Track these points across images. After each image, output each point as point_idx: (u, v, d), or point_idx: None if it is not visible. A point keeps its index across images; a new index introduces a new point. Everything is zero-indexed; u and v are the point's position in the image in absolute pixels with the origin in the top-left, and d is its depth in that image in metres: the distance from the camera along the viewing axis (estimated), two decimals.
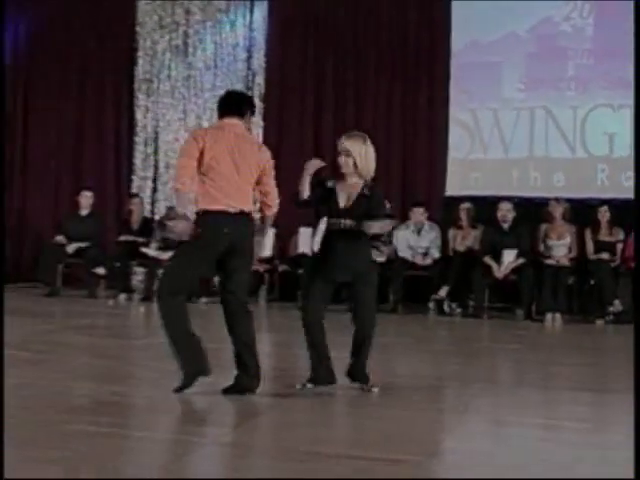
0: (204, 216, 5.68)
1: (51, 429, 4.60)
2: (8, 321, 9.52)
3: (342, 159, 5.95)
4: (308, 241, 12.00)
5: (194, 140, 5.72)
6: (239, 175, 5.67)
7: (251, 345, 5.73)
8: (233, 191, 5.64)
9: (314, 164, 5.96)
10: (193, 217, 5.72)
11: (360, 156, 5.93)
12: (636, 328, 8.94)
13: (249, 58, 13.33)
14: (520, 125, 12.23)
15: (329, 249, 5.95)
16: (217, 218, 5.61)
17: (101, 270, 12.56)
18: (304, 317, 5.90)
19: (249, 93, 12.99)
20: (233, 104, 5.91)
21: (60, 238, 12.77)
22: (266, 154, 5.93)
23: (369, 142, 5.96)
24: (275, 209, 5.99)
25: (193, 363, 5.56)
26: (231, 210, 5.62)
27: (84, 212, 12.96)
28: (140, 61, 13.64)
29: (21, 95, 14.47)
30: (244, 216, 5.70)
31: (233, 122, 5.80)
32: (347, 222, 5.92)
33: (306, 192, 5.88)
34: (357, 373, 5.96)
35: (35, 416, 4.89)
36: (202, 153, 5.62)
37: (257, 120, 13.05)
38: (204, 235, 5.68)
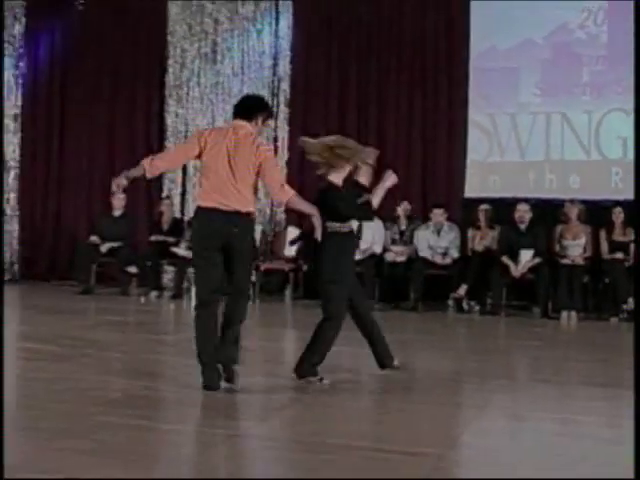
0: (197, 211, 5.78)
1: (84, 421, 4.63)
2: (44, 318, 9.63)
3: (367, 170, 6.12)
4: None
5: (196, 138, 5.82)
6: (235, 175, 5.62)
7: (236, 335, 5.73)
8: (228, 191, 5.60)
9: (393, 180, 6.08)
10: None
11: None
12: (636, 326, 8.89)
13: (275, 65, 13.32)
14: (536, 129, 12.16)
15: (349, 253, 6.02)
16: (207, 214, 5.63)
17: (133, 269, 12.63)
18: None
19: (275, 99, 13.05)
20: (243, 107, 5.92)
21: (94, 238, 12.84)
22: (263, 150, 5.75)
23: None
24: (284, 197, 5.77)
25: (207, 378, 5.59)
26: (223, 208, 5.58)
27: (117, 213, 13.01)
28: (170, 69, 13.66)
29: (57, 101, 14.54)
30: (240, 216, 5.62)
31: (240, 124, 5.79)
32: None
33: (377, 201, 6.00)
34: (386, 358, 6.20)
35: (69, 409, 4.92)
36: (203, 151, 5.69)
37: (282, 125, 13.07)
38: (195, 230, 5.85)
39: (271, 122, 6.19)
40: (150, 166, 5.83)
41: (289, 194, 5.73)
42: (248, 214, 5.69)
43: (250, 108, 5.90)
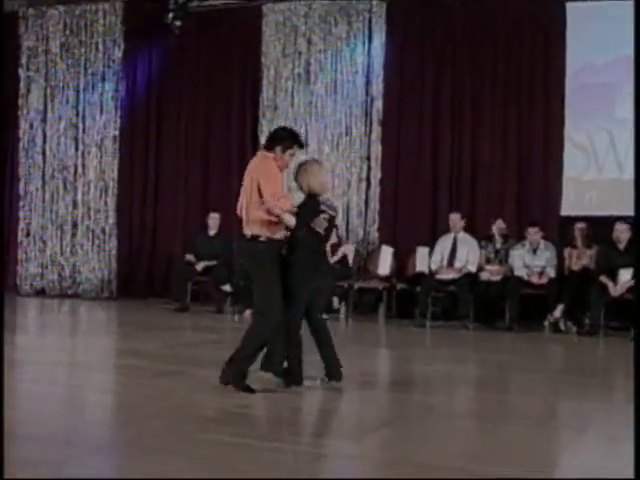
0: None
1: (182, 438, 4.71)
2: (142, 335, 9.82)
3: None
4: (426, 260, 11.97)
5: None
6: (245, 201, 6.34)
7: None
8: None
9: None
10: None
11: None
12: (636, 333, 8.65)
13: (367, 84, 13.33)
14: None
15: None
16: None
17: (228, 287, 12.77)
18: None
19: (367, 117, 13.10)
20: (266, 139, 6.61)
21: (190, 257, 13.06)
22: (256, 172, 6.30)
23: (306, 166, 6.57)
24: (275, 211, 6.20)
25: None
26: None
27: (212, 232, 13.21)
28: (264, 89, 13.79)
29: (154, 122, 14.83)
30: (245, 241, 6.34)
31: (264, 153, 6.44)
32: None
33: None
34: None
35: (167, 425, 5.01)
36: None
37: (376, 143, 13.09)
38: None
39: (295, 151, 6.46)
40: None
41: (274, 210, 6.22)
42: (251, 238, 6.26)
43: (269, 139, 6.52)
